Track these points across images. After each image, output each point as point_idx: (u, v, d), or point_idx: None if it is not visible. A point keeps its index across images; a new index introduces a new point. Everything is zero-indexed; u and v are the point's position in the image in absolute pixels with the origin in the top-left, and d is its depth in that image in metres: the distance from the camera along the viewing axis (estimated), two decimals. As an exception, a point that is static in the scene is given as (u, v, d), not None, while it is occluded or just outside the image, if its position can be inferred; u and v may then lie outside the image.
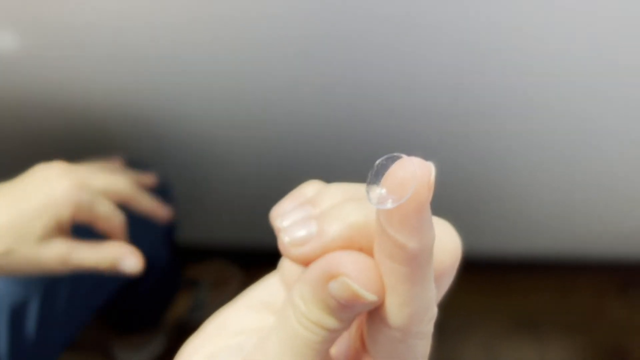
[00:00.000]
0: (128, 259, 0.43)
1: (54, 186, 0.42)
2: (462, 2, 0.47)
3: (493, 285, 0.98)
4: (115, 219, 0.45)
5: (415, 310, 0.18)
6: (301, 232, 0.19)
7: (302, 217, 0.19)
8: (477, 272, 0.96)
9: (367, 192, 0.17)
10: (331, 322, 0.18)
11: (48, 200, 0.41)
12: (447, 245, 0.20)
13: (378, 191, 0.16)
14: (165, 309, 0.78)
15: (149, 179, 0.52)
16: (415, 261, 0.17)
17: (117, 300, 0.53)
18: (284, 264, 0.24)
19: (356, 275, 0.17)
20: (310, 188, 0.22)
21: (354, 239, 0.18)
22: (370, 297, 0.17)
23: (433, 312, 0.19)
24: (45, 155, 0.64)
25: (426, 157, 0.16)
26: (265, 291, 0.24)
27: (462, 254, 0.21)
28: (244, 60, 0.55)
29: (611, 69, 0.54)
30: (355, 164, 0.63)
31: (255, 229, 0.80)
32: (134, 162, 0.56)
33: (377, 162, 0.17)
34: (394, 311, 0.18)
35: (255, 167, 0.68)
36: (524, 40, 0.51)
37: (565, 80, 0.56)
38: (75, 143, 0.63)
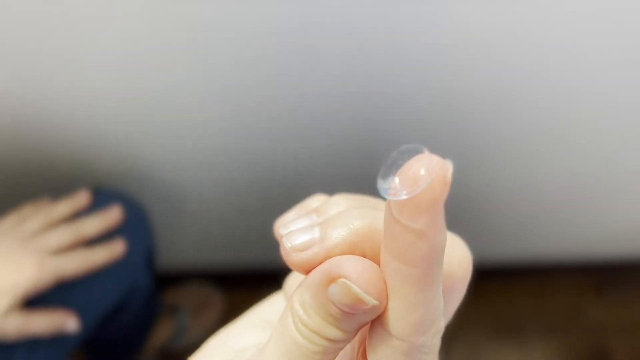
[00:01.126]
0: (69, 322, 0.48)
1: (16, 268, 0.45)
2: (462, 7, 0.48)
3: (473, 293, 0.98)
4: (86, 265, 0.49)
5: (421, 318, 0.17)
6: (303, 238, 0.18)
7: (306, 224, 0.19)
8: None
9: (379, 182, 0.16)
10: (332, 331, 0.17)
11: (11, 281, 0.44)
12: (458, 257, 0.20)
13: (391, 182, 0.16)
14: (146, 336, 0.77)
15: (115, 213, 0.54)
16: (425, 261, 0.16)
17: (99, 330, 0.53)
18: (289, 282, 0.23)
19: (357, 277, 0.16)
20: (316, 199, 0.22)
21: (357, 245, 0.18)
22: (372, 301, 0.16)
23: (440, 325, 0.18)
24: (21, 186, 0.64)
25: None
26: (270, 309, 0.23)
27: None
28: (222, 93, 0.56)
29: (608, 71, 0.55)
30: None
31: (235, 251, 0.80)
32: (104, 194, 0.56)
33: (393, 153, 0.16)
34: (398, 318, 0.17)
35: (234, 190, 0.67)
36: (524, 45, 0.51)
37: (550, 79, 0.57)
38: (49, 172, 0.63)
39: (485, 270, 0.93)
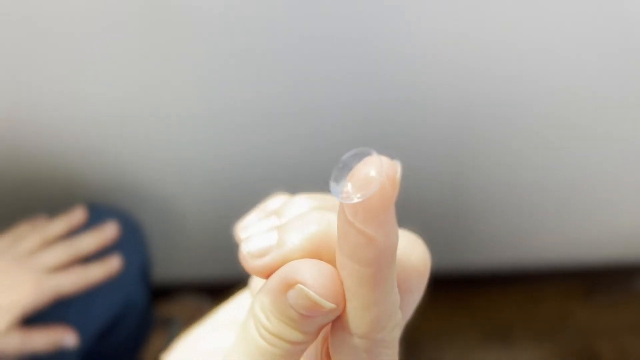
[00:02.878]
0: (68, 338, 0.49)
1: (14, 287, 0.46)
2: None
3: (461, 300, 0.99)
4: (82, 282, 0.50)
5: (377, 315, 0.17)
6: (261, 243, 0.18)
7: (265, 228, 0.19)
8: (444, 288, 0.97)
9: (332, 186, 0.16)
10: (293, 334, 0.18)
11: (10, 301, 0.45)
12: (415, 258, 0.20)
13: (344, 186, 0.16)
14: (139, 350, 0.77)
15: (110, 230, 0.54)
16: (378, 261, 0.16)
17: (96, 344, 0.54)
18: (253, 280, 0.23)
19: (313, 282, 0.17)
20: (278, 199, 0.22)
21: (314, 249, 0.18)
22: (329, 305, 0.17)
23: (397, 319, 0.18)
24: (16, 203, 0.64)
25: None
26: (236, 308, 0.23)
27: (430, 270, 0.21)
28: (218, 110, 0.56)
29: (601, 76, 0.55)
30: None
31: (228, 264, 0.80)
32: (100, 210, 0.57)
33: (344, 157, 0.17)
34: (356, 317, 0.17)
35: (228, 204, 0.68)
36: (520, 48, 0.51)
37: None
38: (44, 189, 0.63)
39: (474, 276, 0.94)
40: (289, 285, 0.17)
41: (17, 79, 0.51)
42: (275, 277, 0.17)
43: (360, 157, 0.16)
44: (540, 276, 0.97)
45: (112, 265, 0.52)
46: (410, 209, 0.74)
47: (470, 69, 0.53)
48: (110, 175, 0.63)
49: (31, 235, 0.52)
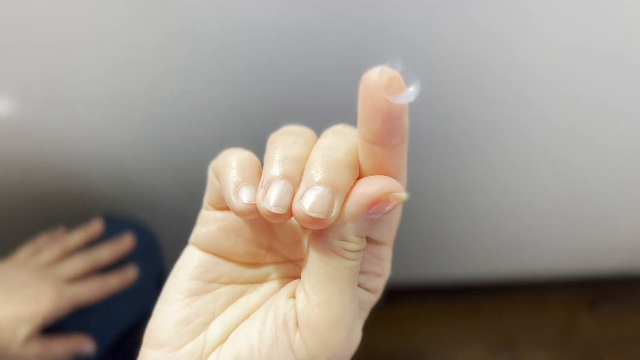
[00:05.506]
0: (86, 346, 0.51)
1: (34, 297, 0.47)
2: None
3: (467, 309, 0.99)
4: (100, 291, 0.51)
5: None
6: (283, 195, 0.21)
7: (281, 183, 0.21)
8: (450, 298, 0.97)
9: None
10: (364, 243, 0.22)
11: (30, 310, 0.46)
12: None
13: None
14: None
15: (126, 241, 0.56)
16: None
17: (113, 351, 0.55)
18: (200, 232, 0.26)
19: (393, 185, 0.21)
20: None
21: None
22: (405, 195, 0.21)
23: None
24: (35, 215, 0.65)
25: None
26: (186, 275, 0.25)
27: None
28: (230, 117, 0.57)
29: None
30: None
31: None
32: (116, 221, 0.58)
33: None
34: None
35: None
36: (524, 51, 0.51)
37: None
38: (61, 202, 0.65)
39: (480, 286, 0.94)
40: (375, 202, 0.20)
41: (35, 93, 0.52)
42: (357, 203, 0.21)
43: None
44: (546, 286, 0.97)
45: (128, 275, 0.54)
46: (416, 220, 0.76)
47: (471, 75, 0.53)
48: (126, 187, 0.64)
49: (50, 247, 0.53)
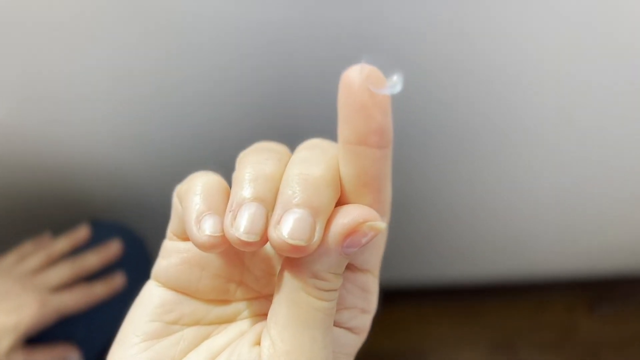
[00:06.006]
0: (71, 356, 0.49)
1: (18, 307, 0.46)
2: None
3: (467, 310, 0.99)
4: (86, 300, 0.50)
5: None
6: (257, 221, 0.19)
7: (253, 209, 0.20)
8: (450, 299, 0.97)
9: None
10: (340, 280, 0.20)
11: (14, 320, 0.45)
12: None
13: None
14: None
15: (114, 247, 0.55)
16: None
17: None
18: (161, 266, 0.23)
19: (369, 214, 0.19)
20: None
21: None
22: (383, 224, 0.19)
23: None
24: (19, 217, 0.64)
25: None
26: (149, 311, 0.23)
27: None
28: (221, 118, 0.56)
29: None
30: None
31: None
32: (103, 226, 0.57)
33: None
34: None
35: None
36: (523, 51, 0.50)
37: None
38: (46, 204, 0.64)
39: (479, 287, 0.94)
40: (349, 233, 0.19)
41: (18, 93, 0.52)
42: (335, 235, 0.19)
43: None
44: (545, 287, 0.97)
45: (115, 282, 0.53)
46: (416, 220, 0.75)
47: (472, 74, 0.53)
48: (113, 190, 0.63)
49: (35, 254, 0.52)
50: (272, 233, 0.19)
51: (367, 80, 0.18)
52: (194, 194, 0.21)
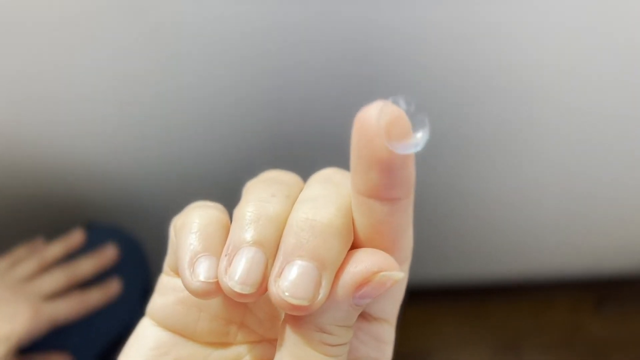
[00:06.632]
0: None
1: (10, 316, 0.44)
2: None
3: (471, 311, 0.98)
4: (80, 307, 0.49)
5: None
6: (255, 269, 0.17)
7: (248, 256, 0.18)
8: (454, 299, 0.97)
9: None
10: (350, 333, 0.18)
11: (5, 330, 0.44)
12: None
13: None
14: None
15: (109, 252, 0.53)
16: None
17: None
18: (157, 304, 0.22)
19: (384, 262, 0.17)
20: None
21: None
22: (401, 274, 0.17)
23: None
24: (13, 220, 0.63)
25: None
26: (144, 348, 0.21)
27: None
28: (216, 121, 0.55)
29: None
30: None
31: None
32: (98, 230, 0.56)
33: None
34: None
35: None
36: (527, 50, 0.50)
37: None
38: (40, 207, 0.63)
39: (484, 287, 0.94)
40: (362, 284, 0.16)
41: (11, 94, 0.51)
42: (345, 285, 0.17)
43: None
44: (551, 287, 0.96)
45: (111, 288, 0.52)
46: (421, 220, 0.74)
47: (475, 75, 0.52)
48: (108, 193, 0.62)
49: (28, 260, 0.51)
50: (272, 287, 0.16)
51: (387, 132, 0.15)
52: (189, 232, 0.19)
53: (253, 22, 0.45)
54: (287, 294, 0.16)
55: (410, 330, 0.95)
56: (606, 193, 0.71)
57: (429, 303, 0.97)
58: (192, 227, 0.19)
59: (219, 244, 0.18)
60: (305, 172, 0.23)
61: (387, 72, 0.52)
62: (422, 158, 0.67)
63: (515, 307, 0.98)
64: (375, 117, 0.15)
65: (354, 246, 0.18)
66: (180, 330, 0.21)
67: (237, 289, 0.16)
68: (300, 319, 0.17)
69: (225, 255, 0.17)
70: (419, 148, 0.16)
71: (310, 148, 0.59)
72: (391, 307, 0.21)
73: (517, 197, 0.72)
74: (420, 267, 0.88)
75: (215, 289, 0.17)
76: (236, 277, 0.17)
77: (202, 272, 0.17)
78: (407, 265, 0.20)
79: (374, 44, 0.48)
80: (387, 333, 0.21)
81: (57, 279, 0.49)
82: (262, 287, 0.17)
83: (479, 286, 0.94)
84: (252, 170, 0.62)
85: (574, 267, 0.92)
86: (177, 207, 0.68)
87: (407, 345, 0.95)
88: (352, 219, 0.18)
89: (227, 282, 0.17)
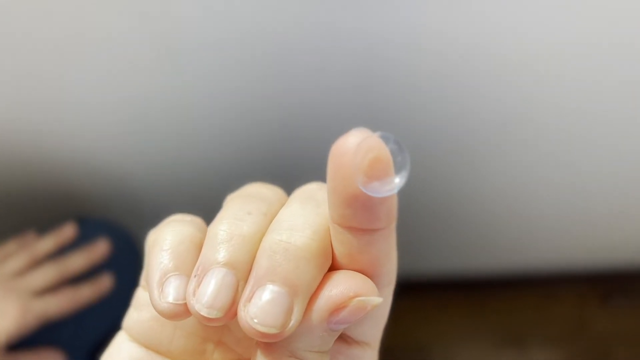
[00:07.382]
0: None
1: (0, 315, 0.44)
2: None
3: (474, 304, 0.98)
4: (71, 304, 0.48)
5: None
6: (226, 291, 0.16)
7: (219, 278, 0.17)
8: (455, 293, 0.96)
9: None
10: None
11: None
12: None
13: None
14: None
15: (101, 247, 0.53)
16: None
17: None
18: (132, 318, 0.21)
19: (363, 286, 0.16)
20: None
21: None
22: (379, 299, 0.16)
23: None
24: (4, 214, 0.63)
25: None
26: None
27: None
28: (213, 116, 0.55)
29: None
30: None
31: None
32: (91, 224, 0.55)
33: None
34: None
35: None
36: (528, 48, 0.50)
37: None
38: (33, 200, 0.62)
39: (487, 281, 0.94)
40: (337, 308, 0.16)
41: (9, 89, 0.51)
42: (319, 310, 0.16)
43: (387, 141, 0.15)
44: (555, 280, 0.96)
45: (103, 284, 0.51)
46: (421, 213, 0.74)
47: (474, 73, 0.52)
48: (101, 186, 0.62)
49: (18, 254, 0.50)
50: (241, 312, 0.16)
51: (364, 172, 0.14)
52: (160, 249, 0.18)
53: (251, 27, 0.46)
54: (255, 320, 0.15)
55: (410, 324, 0.95)
56: (613, 186, 0.71)
57: (429, 297, 0.97)
58: (163, 244, 0.18)
59: (190, 263, 0.17)
60: (305, 172, 0.22)
61: (387, 73, 0.52)
62: (430, 151, 0.67)
63: (518, 301, 0.98)
64: (352, 152, 0.14)
65: (333, 267, 0.17)
66: (154, 347, 0.20)
67: (204, 312, 0.16)
68: (272, 344, 0.16)
69: (195, 276, 0.16)
70: (394, 191, 0.15)
71: (310, 148, 0.59)
72: (373, 330, 0.20)
73: (521, 189, 0.72)
74: (420, 260, 0.88)
75: (184, 311, 0.17)
76: (204, 300, 0.16)
77: (171, 293, 0.17)
78: (390, 289, 0.19)
79: (374, 45, 0.48)
80: (368, 356, 0.20)
81: (47, 274, 0.49)
82: (231, 311, 0.16)
83: (481, 279, 0.94)
84: (245, 165, 0.61)
85: (580, 260, 0.92)
86: (171, 201, 0.68)
87: (407, 339, 0.95)
88: (330, 244, 0.17)
89: (195, 305, 0.16)
